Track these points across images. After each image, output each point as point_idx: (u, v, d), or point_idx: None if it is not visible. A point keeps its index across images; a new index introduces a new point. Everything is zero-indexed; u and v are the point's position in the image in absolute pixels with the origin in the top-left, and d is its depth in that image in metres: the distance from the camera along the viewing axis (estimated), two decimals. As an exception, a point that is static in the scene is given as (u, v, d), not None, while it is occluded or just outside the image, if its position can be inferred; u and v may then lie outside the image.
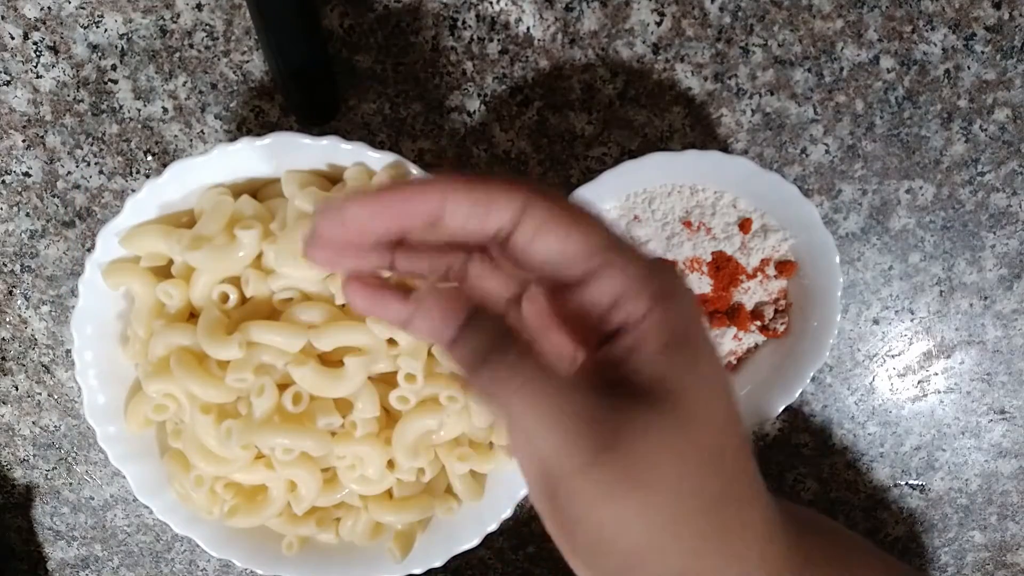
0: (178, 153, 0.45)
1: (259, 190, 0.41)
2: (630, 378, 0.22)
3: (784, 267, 0.45)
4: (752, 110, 0.45)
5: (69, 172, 0.45)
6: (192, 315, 0.40)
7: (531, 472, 0.23)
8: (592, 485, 0.21)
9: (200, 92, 0.44)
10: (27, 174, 0.45)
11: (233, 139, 0.42)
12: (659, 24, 0.43)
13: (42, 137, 0.44)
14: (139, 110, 0.44)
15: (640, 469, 0.21)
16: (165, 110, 0.44)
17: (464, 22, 0.43)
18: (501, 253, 0.24)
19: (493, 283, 0.25)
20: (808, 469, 0.52)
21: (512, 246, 0.23)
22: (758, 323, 0.46)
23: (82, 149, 0.44)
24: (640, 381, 0.22)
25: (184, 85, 0.43)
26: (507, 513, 0.43)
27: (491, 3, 0.43)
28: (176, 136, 0.44)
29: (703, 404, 0.22)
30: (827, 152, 0.46)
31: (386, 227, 0.23)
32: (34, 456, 0.50)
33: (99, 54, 0.43)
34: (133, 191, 0.41)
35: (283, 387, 0.39)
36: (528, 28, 0.43)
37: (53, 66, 0.43)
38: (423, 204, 0.22)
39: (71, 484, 0.51)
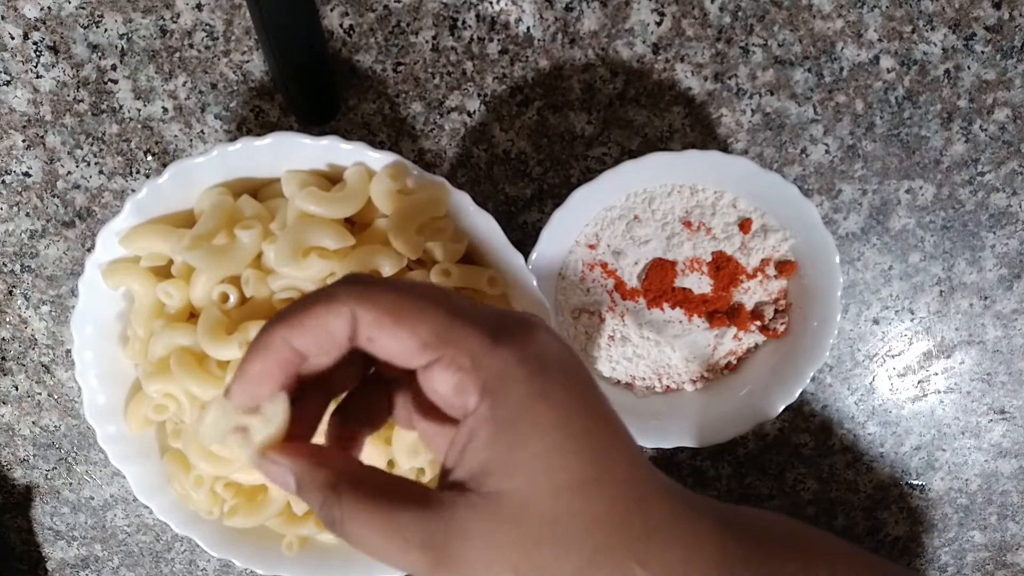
0: (178, 153, 0.45)
1: (259, 190, 0.41)
2: (458, 478, 0.24)
3: (784, 267, 0.45)
4: (752, 110, 0.45)
5: (69, 172, 0.45)
6: (192, 315, 0.40)
7: None
8: None
9: (200, 92, 0.44)
10: (27, 174, 0.45)
11: (233, 139, 0.42)
12: (659, 24, 0.43)
13: (42, 137, 0.44)
14: (139, 110, 0.44)
15: (478, 568, 0.23)
16: (165, 110, 0.44)
17: (464, 22, 0.43)
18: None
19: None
20: (808, 469, 0.52)
21: (359, 349, 0.25)
22: (758, 323, 0.46)
23: (82, 149, 0.44)
24: (468, 477, 0.23)
25: (184, 85, 0.43)
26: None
27: (491, 3, 0.43)
28: (176, 136, 0.44)
29: (530, 485, 0.23)
30: (827, 152, 0.46)
31: (271, 389, 0.25)
32: (34, 456, 0.50)
33: (99, 54, 0.43)
34: (133, 191, 0.41)
35: (283, 387, 0.39)
36: (528, 28, 0.43)
37: (53, 66, 0.43)
38: (274, 361, 0.25)
39: (71, 484, 0.51)
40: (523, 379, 0.23)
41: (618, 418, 0.26)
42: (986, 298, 0.49)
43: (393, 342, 0.24)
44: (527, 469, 0.23)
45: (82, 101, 0.44)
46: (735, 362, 0.47)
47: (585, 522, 0.23)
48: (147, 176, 0.45)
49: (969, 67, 0.44)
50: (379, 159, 0.38)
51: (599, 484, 0.24)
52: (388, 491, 0.24)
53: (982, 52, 0.44)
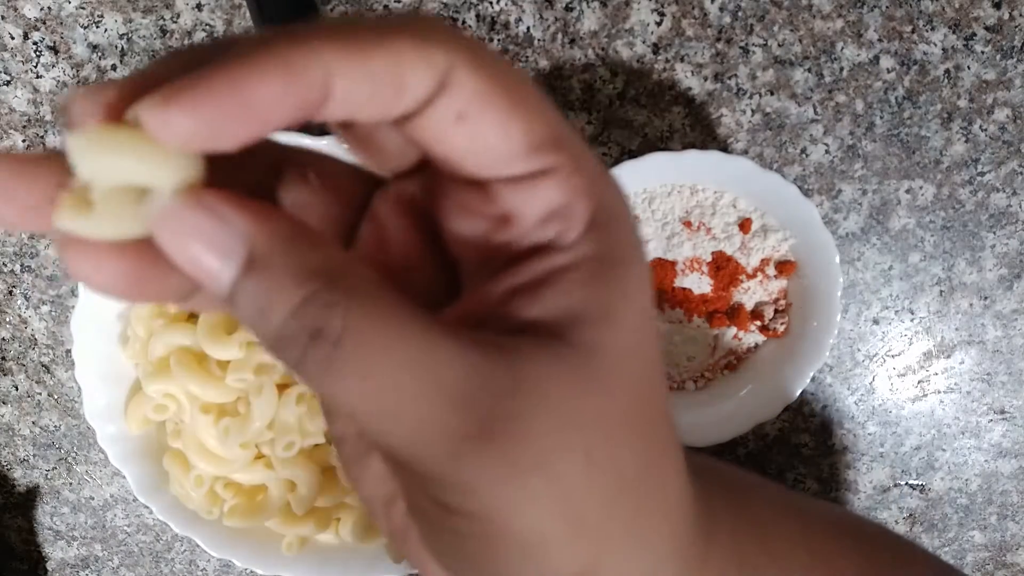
0: (178, 153, 0.45)
1: (259, 190, 0.41)
2: (533, 316, 0.16)
3: (784, 267, 0.45)
4: (752, 110, 0.45)
5: (69, 172, 0.45)
6: (192, 315, 0.40)
7: (377, 459, 0.18)
8: (479, 470, 0.15)
9: (200, 92, 0.44)
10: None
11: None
12: (659, 24, 0.43)
13: (42, 137, 0.44)
14: (139, 110, 0.44)
15: (544, 444, 0.15)
16: (165, 110, 0.44)
17: (464, 22, 0.43)
18: (358, 143, 0.18)
19: (318, 208, 0.18)
20: (808, 469, 0.52)
21: (412, 129, 0.16)
22: (758, 323, 0.46)
23: (82, 149, 0.44)
24: (551, 319, 0.16)
25: (184, 85, 0.43)
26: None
27: (491, 3, 0.43)
28: (176, 136, 0.44)
29: (630, 348, 0.17)
30: (827, 152, 0.46)
31: (226, 138, 0.14)
32: (34, 456, 0.50)
33: (99, 54, 0.43)
34: (133, 191, 0.41)
35: (283, 387, 0.39)
36: (528, 28, 0.43)
37: (53, 66, 0.43)
38: (298, 90, 0.14)
39: (71, 484, 0.51)
40: (629, 220, 0.17)
41: None
42: (986, 298, 0.49)
43: (496, 132, 0.16)
44: (626, 326, 0.17)
45: (82, 101, 0.44)
46: (735, 362, 0.47)
47: (658, 417, 0.18)
48: (147, 176, 0.45)
49: (969, 67, 0.44)
50: (379, 159, 0.38)
51: (666, 388, 0.19)
52: (415, 309, 0.15)
53: (982, 52, 0.44)
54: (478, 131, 0.15)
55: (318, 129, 0.44)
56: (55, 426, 0.50)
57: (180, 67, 0.14)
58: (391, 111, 0.15)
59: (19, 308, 0.47)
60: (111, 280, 0.14)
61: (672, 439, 0.19)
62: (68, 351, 0.48)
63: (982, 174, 0.46)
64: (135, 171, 0.13)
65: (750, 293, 0.45)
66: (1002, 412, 0.51)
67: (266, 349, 0.15)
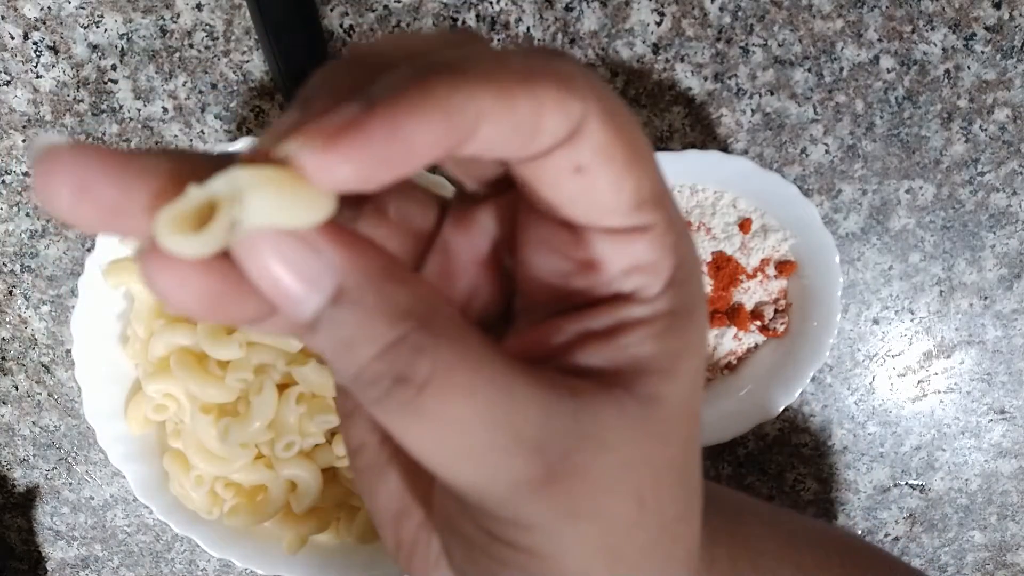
0: (178, 153, 0.45)
1: (259, 190, 0.41)
2: (600, 363, 0.17)
3: (784, 267, 0.45)
4: (752, 110, 0.45)
5: (69, 172, 0.45)
6: (192, 315, 0.40)
7: (396, 474, 0.18)
8: (540, 511, 0.16)
9: (200, 92, 0.44)
10: (27, 174, 0.45)
11: (233, 139, 0.42)
12: (659, 24, 0.43)
13: (42, 137, 0.44)
14: (139, 110, 0.44)
15: (601, 488, 0.16)
16: (165, 110, 0.44)
17: (464, 22, 0.43)
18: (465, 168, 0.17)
19: (394, 240, 0.18)
20: (808, 469, 0.52)
21: (525, 168, 0.15)
22: (758, 323, 0.46)
23: (82, 149, 0.44)
24: (617, 368, 0.17)
25: (184, 85, 0.43)
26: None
27: (491, 3, 0.43)
28: (176, 136, 0.44)
29: (685, 399, 0.17)
30: (827, 152, 0.46)
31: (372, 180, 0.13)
32: (34, 456, 0.50)
33: (99, 54, 0.43)
34: (133, 191, 0.41)
35: (283, 387, 0.39)
36: (528, 28, 0.43)
37: (53, 66, 0.43)
38: (454, 134, 0.13)
39: (71, 484, 0.51)
40: (700, 274, 0.18)
41: None
42: (986, 298, 0.49)
43: (610, 187, 0.15)
44: (686, 378, 0.17)
45: (82, 101, 0.44)
46: (735, 362, 0.47)
47: (696, 460, 0.19)
48: (147, 176, 0.45)
49: (969, 67, 0.44)
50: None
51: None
52: (495, 349, 0.15)
53: (982, 52, 0.44)
54: (593, 184, 0.15)
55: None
56: (55, 426, 0.50)
57: (329, 90, 0.14)
58: (519, 154, 0.15)
59: (19, 308, 0.47)
60: (193, 298, 0.14)
61: (700, 476, 0.19)
62: (68, 351, 0.48)
63: (982, 174, 0.46)
64: (276, 207, 0.13)
65: (750, 293, 0.45)
66: (1002, 412, 0.51)
67: (340, 380, 0.15)
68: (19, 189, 0.45)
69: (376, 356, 0.14)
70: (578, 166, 0.15)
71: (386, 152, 0.13)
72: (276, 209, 0.13)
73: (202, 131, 0.44)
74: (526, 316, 0.18)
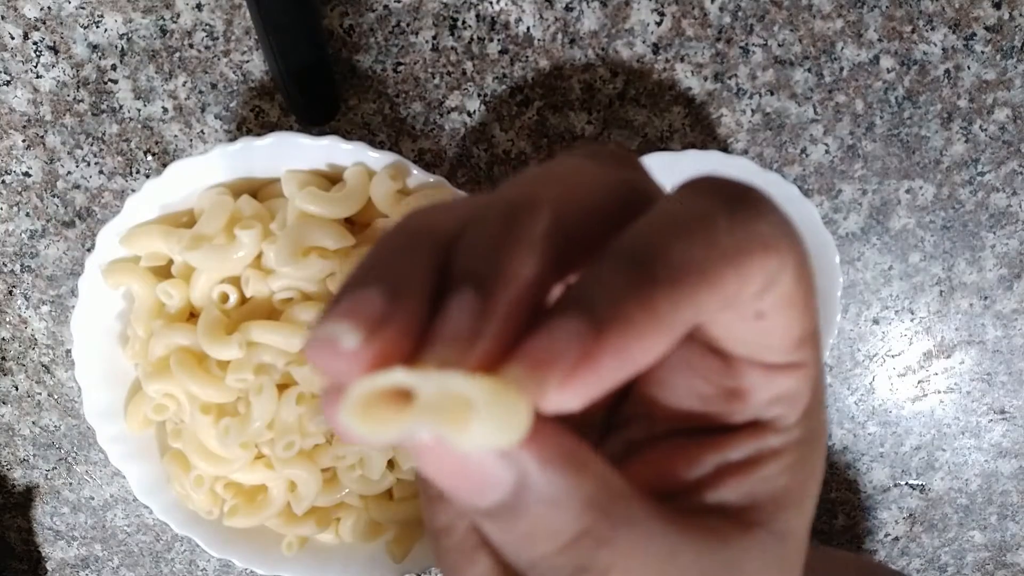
0: (178, 153, 0.45)
1: (259, 190, 0.41)
2: (736, 499, 0.16)
3: (784, 267, 0.45)
4: (752, 110, 0.45)
5: (69, 172, 0.45)
6: (192, 315, 0.40)
7: (486, 558, 0.17)
8: None
9: (200, 92, 0.44)
10: (27, 174, 0.45)
11: (233, 139, 0.42)
12: (659, 24, 0.43)
13: (42, 137, 0.44)
14: (139, 110, 0.44)
15: None
16: (165, 110, 0.44)
17: (464, 22, 0.43)
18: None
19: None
20: (808, 469, 0.52)
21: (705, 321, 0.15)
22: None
23: (82, 149, 0.44)
24: (754, 502, 0.16)
25: (184, 85, 0.43)
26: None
27: (491, 3, 0.43)
28: (176, 136, 0.44)
29: (807, 525, 0.17)
30: (827, 152, 0.46)
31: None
32: (34, 456, 0.50)
33: (99, 54, 0.43)
34: (133, 191, 0.41)
35: (283, 387, 0.39)
36: (528, 28, 0.43)
37: (53, 66, 0.43)
38: (672, 342, 0.13)
39: (71, 484, 0.51)
40: (824, 402, 0.18)
41: None
42: (986, 298, 0.49)
43: (783, 330, 0.15)
44: (811, 506, 0.17)
45: (82, 101, 0.44)
46: (735, 362, 0.47)
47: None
48: (147, 176, 0.45)
49: (969, 67, 0.44)
50: (379, 159, 0.38)
51: None
52: (661, 513, 0.15)
53: (982, 52, 0.44)
54: (769, 328, 0.15)
55: (318, 130, 0.44)
56: (55, 426, 0.50)
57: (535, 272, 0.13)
58: (724, 310, 0.15)
59: (19, 308, 0.47)
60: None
61: None
62: (68, 351, 0.48)
63: (982, 174, 0.46)
64: (491, 432, 0.12)
65: (750, 293, 0.45)
66: (1002, 412, 0.51)
67: (512, 562, 0.15)
68: (19, 189, 0.45)
69: (559, 550, 0.14)
70: (760, 313, 0.15)
71: (613, 375, 0.13)
72: (491, 434, 0.12)
73: (202, 131, 0.44)
74: (641, 425, 0.18)
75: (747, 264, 0.14)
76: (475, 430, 0.12)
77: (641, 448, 0.18)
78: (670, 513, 0.15)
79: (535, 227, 0.14)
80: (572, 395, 0.12)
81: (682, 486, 0.16)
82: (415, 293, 0.13)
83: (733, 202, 0.14)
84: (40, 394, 0.49)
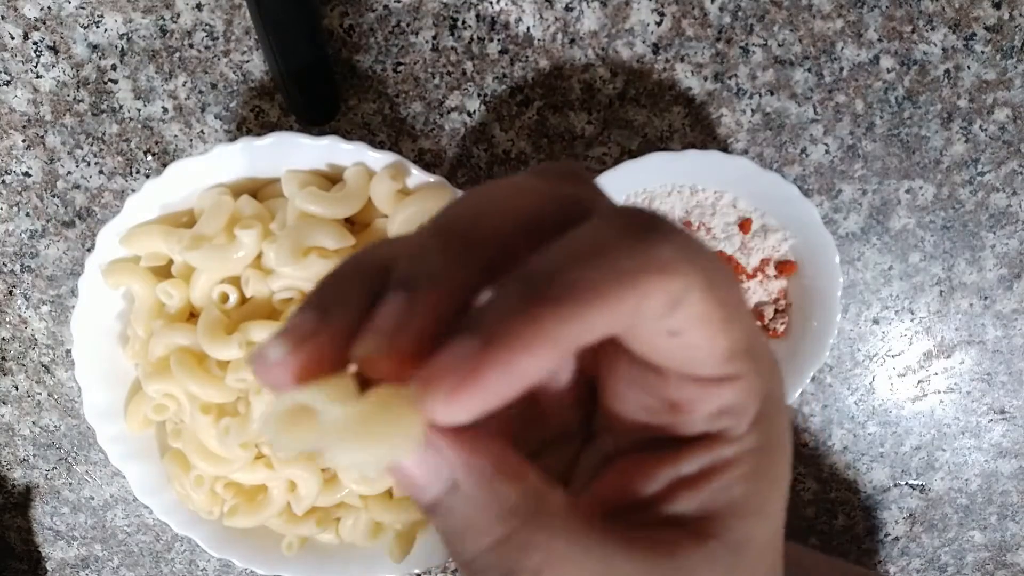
0: (178, 153, 0.45)
1: (259, 190, 0.41)
2: (691, 511, 0.17)
3: (784, 267, 0.45)
4: (752, 110, 0.45)
5: (69, 172, 0.45)
6: (192, 315, 0.40)
7: None
8: None
9: (200, 92, 0.44)
10: (27, 174, 0.45)
11: (233, 139, 0.42)
12: (659, 24, 0.43)
13: (42, 137, 0.44)
14: (139, 110, 0.44)
15: None
16: (165, 110, 0.44)
17: (464, 22, 0.43)
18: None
19: None
20: (808, 469, 0.52)
21: (623, 338, 0.16)
22: (758, 323, 0.46)
23: (82, 149, 0.44)
24: (707, 513, 0.17)
25: (184, 85, 0.43)
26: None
27: (491, 3, 0.43)
28: (176, 136, 0.44)
29: (772, 535, 0.18)
30: (827, 152, 0.46)
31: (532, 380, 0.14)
32: (34, 456, 0.50)
33: (99, 54, 0.43)
34: (133, 191, 0.41)
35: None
36: (528, 28, 0.43)
37: (53, 66, 0.43)
38: (560, 356, 0.14)
39: (71, 484, 0.51)
40: (785, 407, 0.18)
41: None
42: (986, 298, 0.49)
43: (703, 345, 0.16)
44: (775, 512, 0.18)
45: (82, 101, 0.44)
46: (735, 362, 0.47)
47: None
48: (147, 176, 0.45)
49: (969, 67, 0.44)
50: (379, 159, 0.38)
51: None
52: (598, 527, 0.16)
53: (982, 52, 0.44)
54: (686, 343, 0.16)
55: (318, 130, 0.44)
56: (55, 426, 0.50)
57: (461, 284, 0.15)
58: (615, 332, 0.15)
59: (19, 308, 0.47)
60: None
61: None
62: (68, 351, 0.48)
63: (982, 174, 0.46)
64: (362, 453, 0.14)
65: (750, 293, 0.45)
66: (1002, 412, 0.51)
67: (456, 563, 0.16)
68: (19, 189, 0.45)
69: (486, 549, 0.15)
70: (673, 331, 0.15)
71: (501, 388, 0.14)
72: (381, 449, 0.14)
73: (202, 131, 0.44)
74: (609, 436, 0.19)
75: (644, 284, 0.14)
76: (362, 445, 0.14)
77: (612, 460, 0.19)
78: (611, 527, 0.16)
79: (460, 240, 0.15)
80: (460, 408, 0.14)
81: (641, 499, 0.17)
82: (346, 310, 0.15)
83: (638, 229, 0.15)
84: (40, 394, 0.49)
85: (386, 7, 0.43)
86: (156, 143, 0.44)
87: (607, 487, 0.18)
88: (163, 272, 0.41)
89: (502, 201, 0.16)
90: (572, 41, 0.43)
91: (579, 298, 0.14)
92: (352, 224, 0.40)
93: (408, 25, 0.43)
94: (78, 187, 0.45)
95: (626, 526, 0.17)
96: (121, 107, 0.44)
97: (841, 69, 0.44)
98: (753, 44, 0.44)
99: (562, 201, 0.16)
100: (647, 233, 0.15)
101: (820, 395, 0.50)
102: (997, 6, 0.43)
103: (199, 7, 0.42)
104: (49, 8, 0.42)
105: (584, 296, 0.14)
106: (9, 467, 0.51)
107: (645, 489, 0.17)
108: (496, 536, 0.15)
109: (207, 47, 0.43)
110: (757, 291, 0.45)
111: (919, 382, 0.50)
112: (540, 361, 0.14)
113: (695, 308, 0.15)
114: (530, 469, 0.17)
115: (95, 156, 0.45)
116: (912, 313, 0.49)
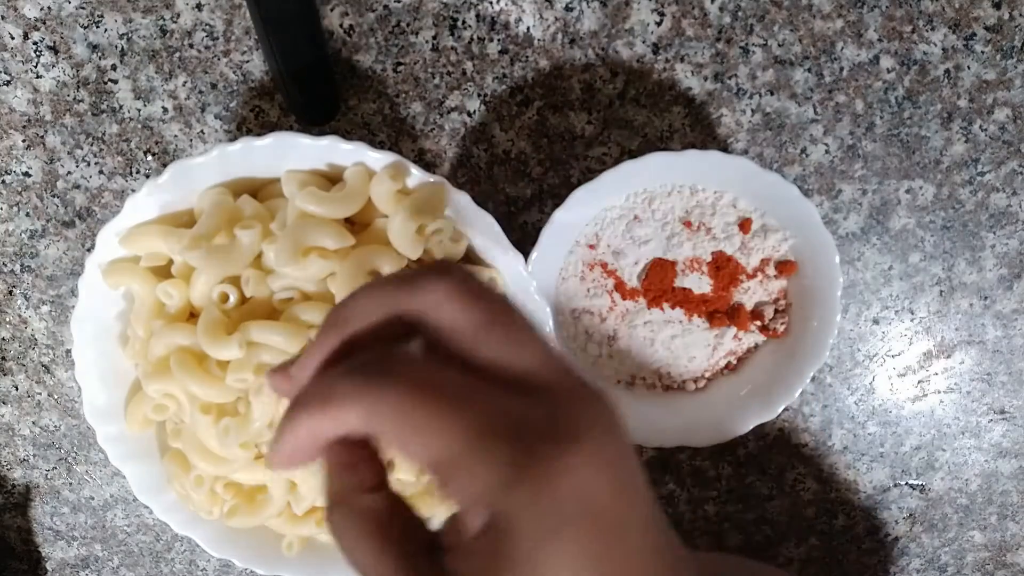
0: (178, 153, 0.45)
1: (259, 190, 0.41)
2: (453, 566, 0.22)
3: (784, 267, 0.45)
4: (752, 110, 0.45)
5: (69, 172, 0.45)
6: (192, 315, 0.40)
7: None
8: None
9: (200, 92, 0.44)
10: (27, 174, 0.45)
11: (233, 139, 0.42)
12: (659, 24, 0.43)
13: (42, 137, 0.44)
14: (139, 110, 0.44)
15: None
16: (165, 110, 0.44)
17: (464, 22, 0.43)
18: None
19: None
20: (808, 469, 0.52)
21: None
22: (758, 323, 0.46)
23: (82, 149, 0.44)
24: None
25: (184, 85, 0.43)
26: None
27: (491, 3, 0.43)
28: (176, 136, 0.44)
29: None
30: (827, 152, 0.46)
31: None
32: (34, 456, 0.50)
33: (99, 54, 0.43)
34: (133, 191, 0.41)
35: (283, 387, 0.39)
36: (528, 28, 0.43)
37: (53, 66, 0.43)
38: (334, 430, 0.22)
39: (71, 484, 0.51)
40: (532, 534, 0.20)
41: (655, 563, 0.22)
42: (986, 298, 0.49)
43: (407, 458, 0.21)
44: None
45: (82, 101, 0.44)
46: (735, 362, 0.47)
47: None
48: (147, 176, 0.45)
49: (969, 67, 0.44)
50: (379, 159, 0.38)
51: None
52: (386, 533, 0.22)
53: (982, 52, 0.44)
54: (402, 454, 0.21)
55: (318, 130, 0.44)
56: (55, 426, 0.50)
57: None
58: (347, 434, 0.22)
59: (19, 308, 0.47)
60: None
61: None
62: (68, 351, 0.48)
63: (982, 174, 0.46)
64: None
65: (750, 293, 0.45)
66: (1002, 412, 0.51)
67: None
68: (19, 189, 0.45)
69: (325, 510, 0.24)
70: (389, 443, 0.22)
71: (288, 448, 0.22)
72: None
73: (202, 131, 0.44)
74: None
75: (333, 412, 0.21)
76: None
77: None
78: (391, 538, 0.22)
79: (329, 332, 0.23)
80: (275, 459, 0.23)
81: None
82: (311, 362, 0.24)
83: (336, 379, 0.22)
84: (40, 394, 0.49)
85: (386, 7, 0.43)
86: (156, 143, 0.44)
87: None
88: (163, 272, 0.41)
89: (355, 308, 0.23)
90: (572, 41, 0.43)
91: (310, 410, 0.22)
92: (352, 224, 0.40)
93: (408, 25, 0.43)
94: (78, 187, 0.45)
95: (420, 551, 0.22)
96: (121, 107, 0.44)
97: (841, 69, 0.44)
98: (753, 44, 0.44)
99: (386, 307, 0.23)
100: (339, 371, 0.23)
101: (820, 395, 0.50)
102: (997, 6, 0.43)
103: (199, 7, 0.42)
104: (49, 8, 0.42)
105: (345, 387, 0.22)
106: (9, 467, 0.51)
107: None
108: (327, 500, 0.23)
109: (207, 47, 0.43)
110: (757, 291, 0.45)
111: (919, 382, 0.50)
112: (317, 429, 0.22)
113: (387, 435, 0.21)
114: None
115: (95, 156, 0.45)
116: (912, 313, 0.49)
